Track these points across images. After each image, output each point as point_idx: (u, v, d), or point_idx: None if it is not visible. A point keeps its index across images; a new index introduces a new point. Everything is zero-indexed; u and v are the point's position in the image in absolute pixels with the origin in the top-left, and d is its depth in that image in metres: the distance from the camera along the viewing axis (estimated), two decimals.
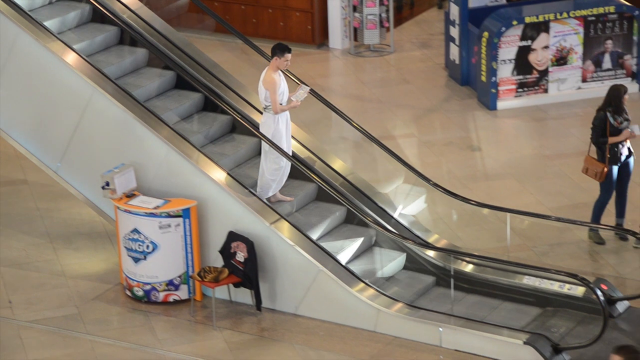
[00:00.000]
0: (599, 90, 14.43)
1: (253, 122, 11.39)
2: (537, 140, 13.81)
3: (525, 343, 9.68)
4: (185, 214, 10.63)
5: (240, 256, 10.52)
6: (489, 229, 11.60)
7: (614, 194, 11.42)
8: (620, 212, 11.50)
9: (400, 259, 10.96)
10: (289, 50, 10.58)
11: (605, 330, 9.53)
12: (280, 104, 10.59)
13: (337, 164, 11.52)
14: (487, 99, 14.53)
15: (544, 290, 10.46)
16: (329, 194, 10.82)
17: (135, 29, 11.86)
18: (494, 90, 14.44)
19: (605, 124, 11.17)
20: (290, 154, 10.86)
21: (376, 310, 10.27)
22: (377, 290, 10.42)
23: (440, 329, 10.02)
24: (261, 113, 11.06)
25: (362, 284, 10.46)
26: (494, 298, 10.60)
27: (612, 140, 11.20)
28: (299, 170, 11.06)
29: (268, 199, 10.80)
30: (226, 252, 10.65)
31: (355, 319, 10.38)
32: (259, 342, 10.26)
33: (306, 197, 11.23)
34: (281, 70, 10.65)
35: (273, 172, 10.73)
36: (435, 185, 11.29)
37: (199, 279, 10.56)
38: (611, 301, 10.22)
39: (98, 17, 11.94)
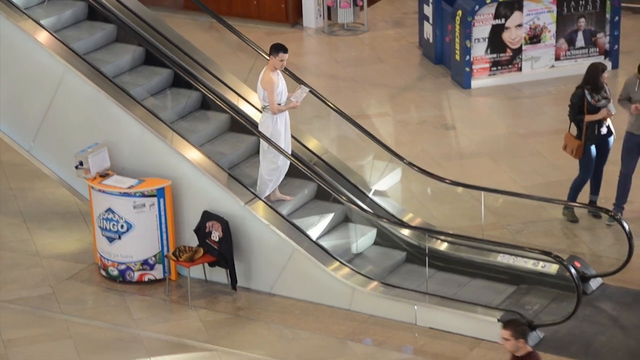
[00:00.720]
0: (573, 68, 14.48)
1: (223, 99, 11.37)
2: (511, 118, 13.84)
3: (499, 320, 9.72)
4: (159, 193, 10.59)
5: (215, 235, 10.50)
6: (463, 207, 11.64)
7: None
8: (595, 189, 11.56)
9: (370, 234, 10.98)
10: (284, 50, 10.42)
11: (578, 307, 9.59)
12: (279, 104, 10.47)
13: (312, 143, 11.51)
14: (461, 78, 14.55)
15: (518, 268, 10.51)
16: (300, 170, 10.82)
17: (104, 4, 11.78)
18: (468, 69, 14.46)
19: (583, 102, 11.21)
20: (290, 153, 10.74)
21: (351, 289, 10.29)
22: (352, 269, 10.44)
23: (415, 307, 10.05)
24: (237, 93, 11.03)
25: (337, 263, 10.47)
26: (469, 276, 10.64)
27: (588, 118, 11.23)
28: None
29: (267, 198, 10.72)
30: (201, 231, 10.63)
31: (330, 297, 10.40)
32: (234, 321, 10.26)
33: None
34: (279, 70, 10.52)
35: (270, 171, 10.63)
36: (410, 164, 11.30)
37: (174, 258, 10.54)
38: (584, 278, 10.29)
39: None
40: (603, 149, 11.36)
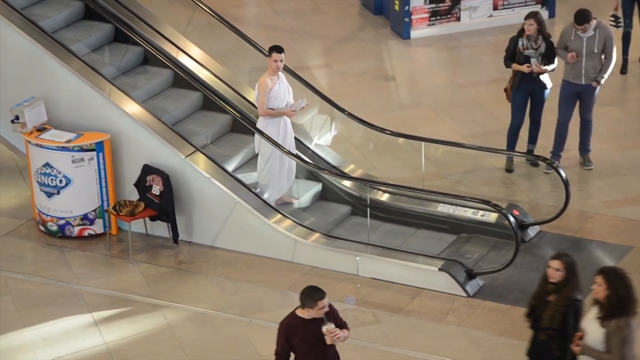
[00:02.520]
0: (510, 17, 14.53)
1: (164, 53, 11.25)
2: (451, 68, 13.89)
3: (440, 269, 9.83)
4: (98, 147, 10.50)
5: (156, 189, 10.45)
6: (404, 158, 11.69)
7: (527, 120, 11.58)
8: (532, 138, 11.68)
9: (316, 189, 11.00)
10: (277, 50, 10.25)
11: (517, 255, 9.73)
12: (272, 109, 10.28)
13: (252, 96, 11.45)
14: (401, 28, 14.54)
15: (458, 218, 10.61)
16: (244, 125, 10.78)
17: None
18: (407, 19, 14.44)
19: (516, 49, 11.28)
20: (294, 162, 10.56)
21: (293, 241, 10.32)
22: (294, 221, 10.46)
23: (357, 258, 10.12)
24: (178, 47, 10.86)
25: (279, 215, 10.48)
26: (410, 226, 10.73)
27: (514, 67, 11.31)
28: (213, 102, 10.98)
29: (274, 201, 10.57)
30: (141, 185, 10.56)
31: (272, 250, 10.42)
32: (176, 274, 10.25)
33: (221, 129, 11.16)
34: (281, 73, 10.32)
35: (266, 174, 10.48)
36: (351, 115, 11.31)
37: (115, 212, 10.47)
38: (523, 226, 10.43)
39: None
40: (537, 100, 11.45)
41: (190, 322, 9.56)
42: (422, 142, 11.05)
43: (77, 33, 11.29)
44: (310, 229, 10.44)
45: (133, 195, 10.66)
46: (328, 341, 7.32)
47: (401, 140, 11.46)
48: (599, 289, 7.16)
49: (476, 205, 10.45)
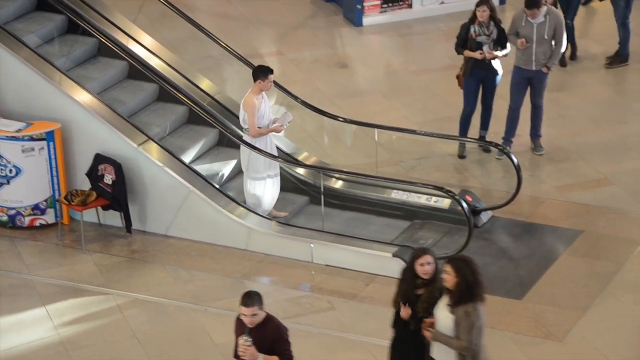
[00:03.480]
0: (462, 4, 14.59)
1: (118, 44, 11.15)
2: (403, 55, 13.93)
3: (394, 255, 9.87)
4: (49, 137, 10.40)
5: (108, 178, 10.38)
6: (358, 145, 11.71)
7: (478, 107, 11.65)
8: (484, 124, 11.75)
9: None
10: (272, 71, 10.17)
11: (470, 240, 9.79)
12: (260, 127, 10.18)
13: (205, 84, 11.41)
14: (353, 15, 14.55)
15: (412, 204, 10.66)
16: (201, 116, 10.73)
17: None
18: (359, 7, 14.45)
19: (467, 35, 11.33)
20: (277, 173, 10.43)
21: (247, 229, 10.31)
22: (248, 209, 10.44)
23: (312, 245, 10.13)
24: (131, 37, 10.75)
25: (233, 204, 10.46)
26: (364, 213, 10.76)
27: (466, 53, 11.37)
28: (170, 93, 10.91)
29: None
30: (93, 174, 10.48)
31: (226, 238, 10.40)
32: (130, 264, 10.19)
33: (177, 120, 11.09)
34: (264, 93, 10.23)
35: (256, 187, 10.32)
36: (304, 103, 11.31)
37: (66, 202, 10.39)
38: (475, 212, 10.49)
39: None
40: (488, 86, 11.52)
41: (144, 312, 9.52)
42: (375, 129, 11.08)
43: (29, 24, 11.15)
44: (264, 216, 10.42)
45: (85, 184, 10.58)
46: (240, 352, 7.19)
47: (354, 127, 11.47)
48: (448, 277, 7.23)
49: (429, 191, 10.50)
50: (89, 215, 10.57)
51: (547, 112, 11.76)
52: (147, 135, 10.53)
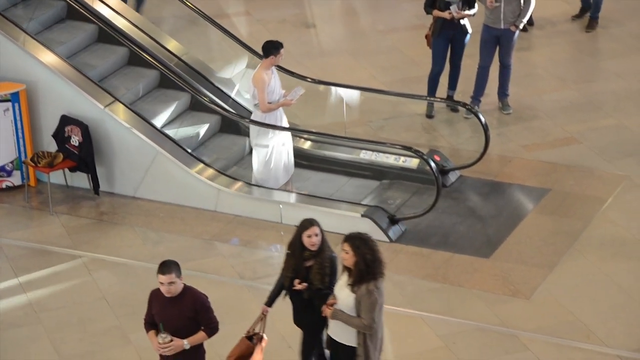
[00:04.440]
0: None
1: (86, 6, 11.03)
2: (370, 15, 13.88)
3: (362, 216, 9.89)
4: (14, 98, 10.30)
5: (75, 140, 10.31)
6: (326, 105, 11.69)
7: (447, 66, 11.65)
8: (452, 84, 11.76)
9: (245, 143, 10.93)
10: (282, 45, 10.03)
11: (438, 200, 9.82)
12: (270, 103, 10.04)
13: (172, 44, 11.32)
14: None
15: (380, 164, 10.67)
16: (172, 80, 10.66)
17: None
18: None
19: None
20: (292, 152, 10.32)
21: (216, 190, 10.29)
22: (217, 170, 10.41)
23: (281, 206, 10.13)
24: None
25: (201, 165, 10.42)
26: (333, 174, 10.76)
27: (435, 13, 11.34)
28: (141, 57, 10.81)
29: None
30: (60, 136, 10.41)
31: (195, 199, 10.38)
32: (98, 226, 10.15)
33: (149, 84, 10.98)
34: (275, 67, 10.09)
35: (265, 164, 10.19)
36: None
37: (32, 164, 10.31)
38: (444, 171, 10.52)
39: None
40: (457, 45, 11.51)
41: (113, 273, 9.50)
42: (344, 89, 11.05)
43: None
44: (233, 177, 10.41)
45: (51, 146, 10.50)
46: (161, 352, 7.08)
47: (322, 87, 11.44)
48: (346, 256, 7.18)
49: (398, 151, 10.51)
50: (56, 177, 10.50)
51: (515, 71, 11.78)
52: (114, 97, 10.45)
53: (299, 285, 7.49)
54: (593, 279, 9.18)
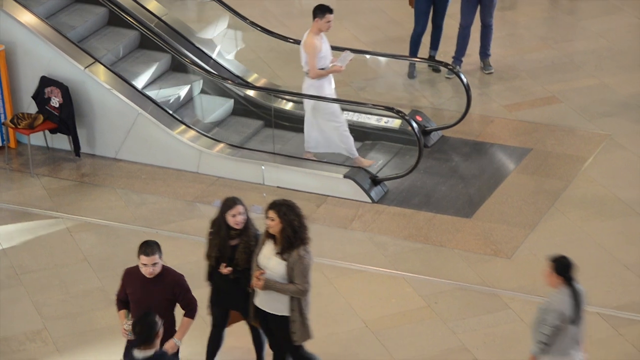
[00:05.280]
0: None
1: None
2: None
3: (345, 176, 9.90)
4: None
5: (55, 101, 10.25)
6: None
7: (429, 27, 11.62)
8: (434, 44, 11.73)
9: (227, 105, 10.89)
10: (330, 11, 9.78)
11: (420, 160, 9.84)
12: (322, 69, 9.84)
13: (152, 5, 11.24)
14: None
15: (362, 125, 10.66)
16: (153, 41, 10.58)
17: None
18: None
19: None
20: (342, 117, 10.08)
21: (198, 152, 10.27)
22: (198, 132, 10.38)
23: (263, 167, 10.12)
24: None
25: (183, 126, 10.39)
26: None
27: None
28: (121, 17, 10.73)
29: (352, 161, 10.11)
30: (40, 97, 10.35)
31: (177, 161, 10.36)
32: (79, 187, 10.12)
33: (129, 45, 10.91)
34: (324, 33, 9.87)
35: (342, 132, 9.94)
36: (253, 23, 11.20)
37: (12, 126, 10.26)
38: (426, 132, 10.53)
39: None
40: (439, 5, 11.48)
41: (95, 235, 9.49)
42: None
43: None
44: (215, 139, 10.38)
45: (31, 108, 10.44)
46: (122, 333, 7.03)
47: None
48: (272, 223, 7.11)
49: (379, 112, 10.51)
50: (37, 138, 10.46)
51: (496, 31, 11.77)
52: (94, 58, 10.38)
53: (225, 270, 7.35)
54: (573, 237, 9.24)
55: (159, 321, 6.32)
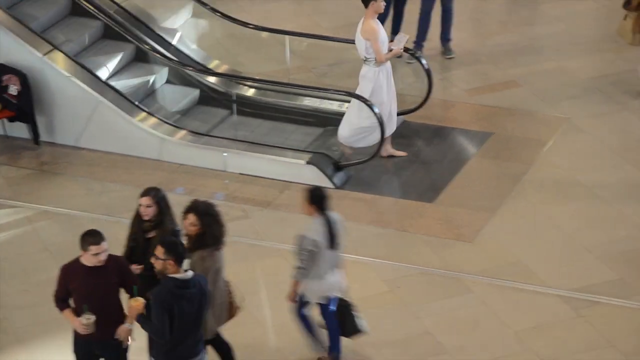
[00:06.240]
0: None
1: None
2: None
3: (307, 162, 9.90)
4: None
5: (14, 89, 10.17)
6: (269, 52, 11.62)
7: (391, 13, 11.62)
8: (396, 29, 11.73)
9: (193, 95, 10.84)
10: None
11: (382, 146, 9.85)
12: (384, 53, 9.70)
13: None
14: None
15: (324, 111, 10.67)
16: (117, 32, 10.51)
17: None
18: None
19: None
20: (396, 105, 9.99)
21: (160, 139, 10.22)
22: (160, 119, 10.34)
23: (225, 154, 10.09)
24: None
25: (144, 114, 10.34)
26: (277, 121, 10.74)
27: None
28: (84, 7, 10.64)
29: (379, 154, 9.95)
30: None
31: (139, 148, 10.30)
32: (39, 176, 10.04)
33: (93, 35, 10.84)
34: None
35: (364, 125, 9.83)
36: (213, 9, 11.16)
37: None
38: None
39: None
40: None
41: (55, 224, 9.43)
42: (287, 36, 10.99)
43: None
44: (176, 126, 10.34)
45: None
46: (80, 330, 6.90)
47: (265, 34, 11.37)
48: (186, 222, 7.06)
49: (342, 97, 10.50)
50: None
51: (457, 16, 11.79)
52: (53, 45, 10.30)
53: (136, 269, 7.24)
54: (534, 221, 9.30)
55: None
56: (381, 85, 9.84)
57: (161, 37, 11.09)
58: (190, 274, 6.71)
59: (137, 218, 7.45)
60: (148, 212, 7.35)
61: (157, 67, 10.84)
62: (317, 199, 7.38)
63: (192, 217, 7.13)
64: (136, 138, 10.26)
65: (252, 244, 9.21)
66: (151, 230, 7.37)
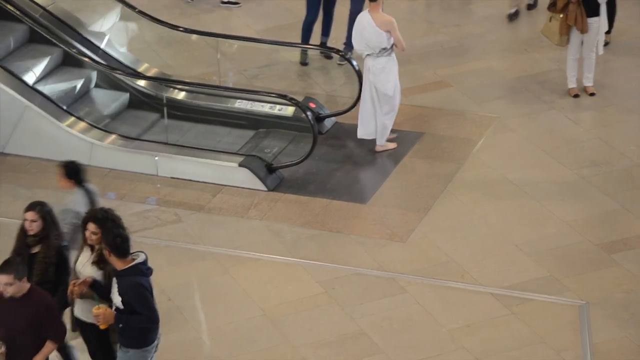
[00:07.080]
0: None
1: None
2: None
3: (240, 165, 9.88)
4: None
5: None
6: (199, 55, 11.58)
7: (321, 14, 11.64)
8: (326, 30, 11.77)
9: (123, 98, 10.75)
10: None
11: (315, 147, 9.87)
12: (394, 45, 9.89)
13: None
14: None
15: (256, 113, 10.65)
16: (43, 36, 10.39)
17: None
18: None
19: None
20: (399, 94, 10.15)
21: (89, 144, 10.11)
22: (89, 124, 10.23)
23: (156, 158, 10.03)
24: None
25: (73, 118, 10.22)
26: (209, 124, 10.70)
27: None
28: (8, 11, 10.49)
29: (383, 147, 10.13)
30: None
31: (68, 153, 10.12)
32: None
33: (18, 40, 10.68)
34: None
35: (392, 116, 10.09)
36: (141, 12, 11.07)
37: None
38: (319, 118, 10.56)
39: None
40: None
41: None
42: (217, 38, 10.96)
43: None
44: (106, 130, 10.24)
45: None
46: None
47: (194, 37, 11.32)
48: (94, 237, 6.96)
49: (273, 99, 10.50)
50: None
51: None
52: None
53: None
54: (466, 220, 9.38)
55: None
56: (396, 75, 10.08)
57: (89, 40, 10.98)
58: (142, 254, 6.82)
59: (22, 232, 7.25)
60: (33, 227, 7.17)
61: (86, 71, 10.73)
62: (73, 172, 7.70)
63: (92, 226, 6.95)
64: (65, 143, 10.14)
65: (185, 247, 9.16)
66: (35, 245, 7.19)
